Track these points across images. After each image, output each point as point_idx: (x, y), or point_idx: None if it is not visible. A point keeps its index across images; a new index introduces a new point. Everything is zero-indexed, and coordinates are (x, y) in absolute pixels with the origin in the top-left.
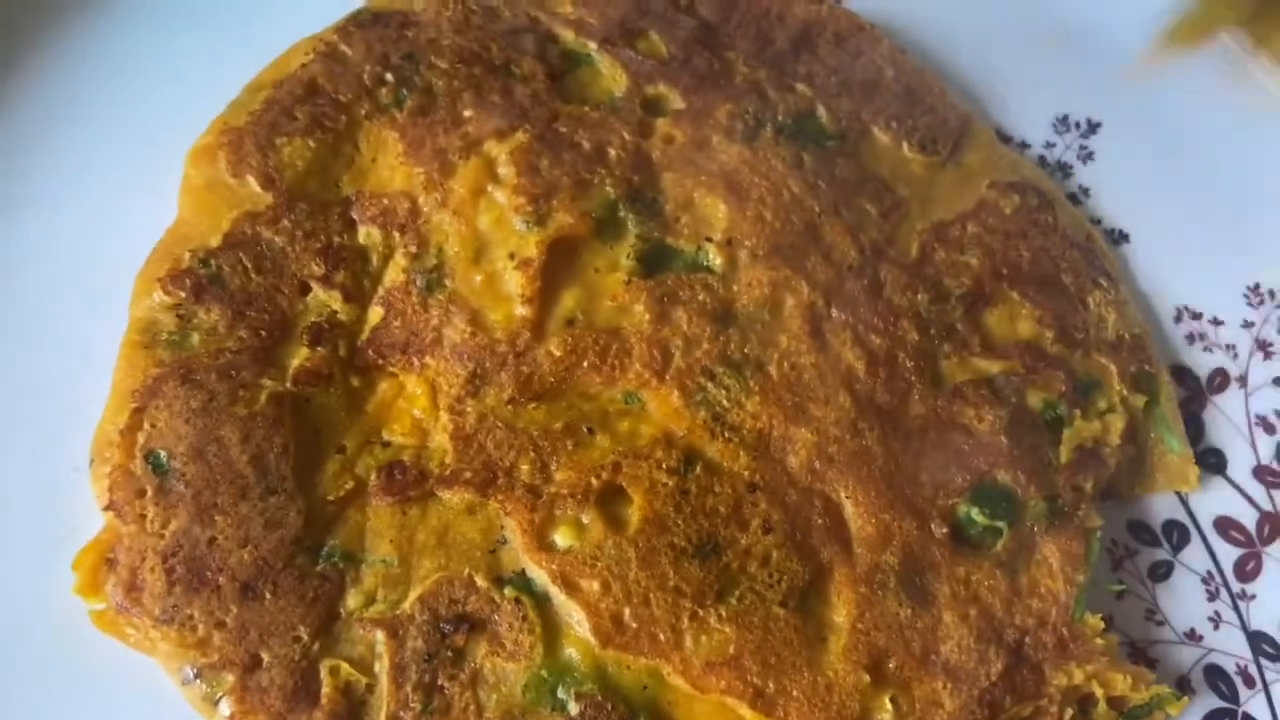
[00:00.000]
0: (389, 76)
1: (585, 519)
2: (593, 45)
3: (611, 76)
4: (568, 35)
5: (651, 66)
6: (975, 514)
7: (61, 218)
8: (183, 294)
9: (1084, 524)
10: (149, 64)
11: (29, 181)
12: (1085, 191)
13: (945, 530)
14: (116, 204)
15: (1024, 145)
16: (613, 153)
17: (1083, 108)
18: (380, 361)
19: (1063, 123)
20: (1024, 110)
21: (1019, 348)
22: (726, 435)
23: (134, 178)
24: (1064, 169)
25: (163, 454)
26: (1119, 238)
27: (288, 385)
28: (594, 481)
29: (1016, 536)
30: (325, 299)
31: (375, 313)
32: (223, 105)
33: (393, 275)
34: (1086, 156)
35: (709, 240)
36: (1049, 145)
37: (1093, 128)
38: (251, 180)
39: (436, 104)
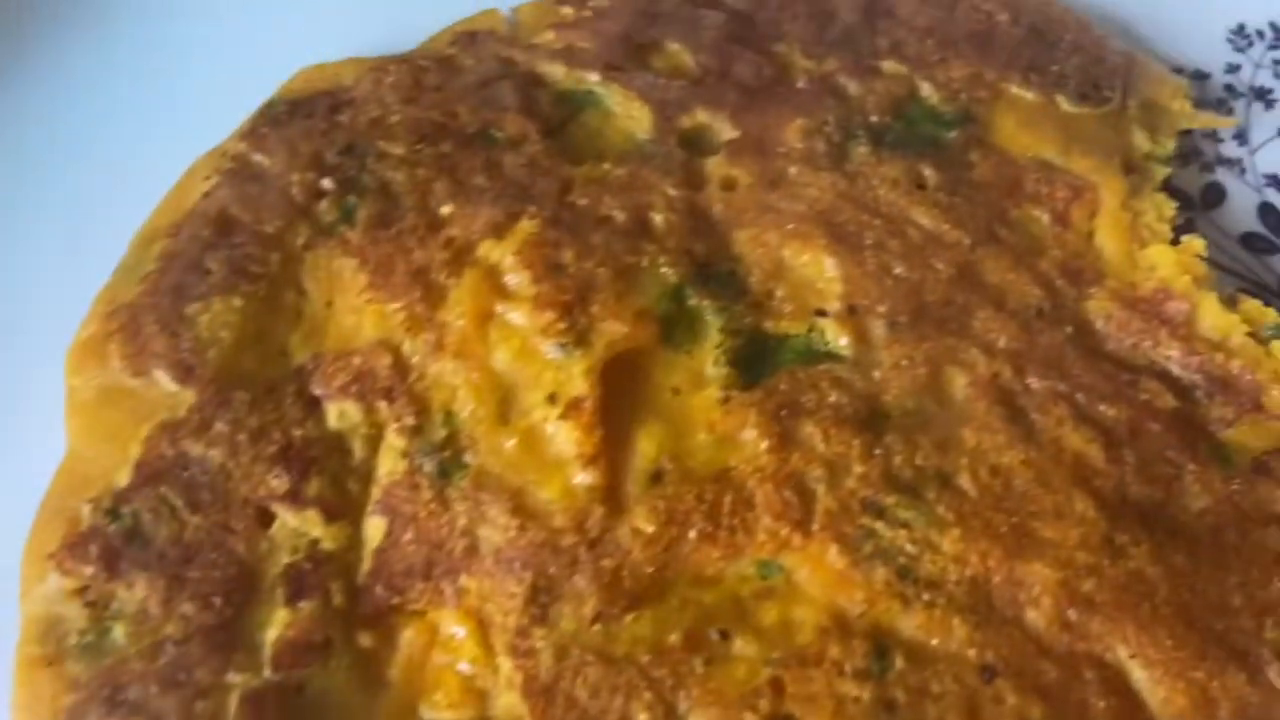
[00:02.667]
0: (327, 183)
1: None
2: (593, 77)
3: (628, 114)
4: (555, 71)
5: (680, 89)
6: None
7: None
8: (89, 569)
9: None
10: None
11: None
12: None
13: None
14: None
15: (1200, 75)
16: (659, 219)
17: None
18: (396, 600)
19: (1240, 34)
20: (1187, 31)
21: None
22: (926, 597)
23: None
24: (1263, 95)
25: None
26: None
27: (266, 674)
28: (751, 718)
29: None
30: (298, 525)
31: (374, 527)
32: (104, 274)
33: (389, 465)
34: None
35: (822, 314)
36: (1232, 68)
37: None
38: (161, 375)
39: (400, 206)
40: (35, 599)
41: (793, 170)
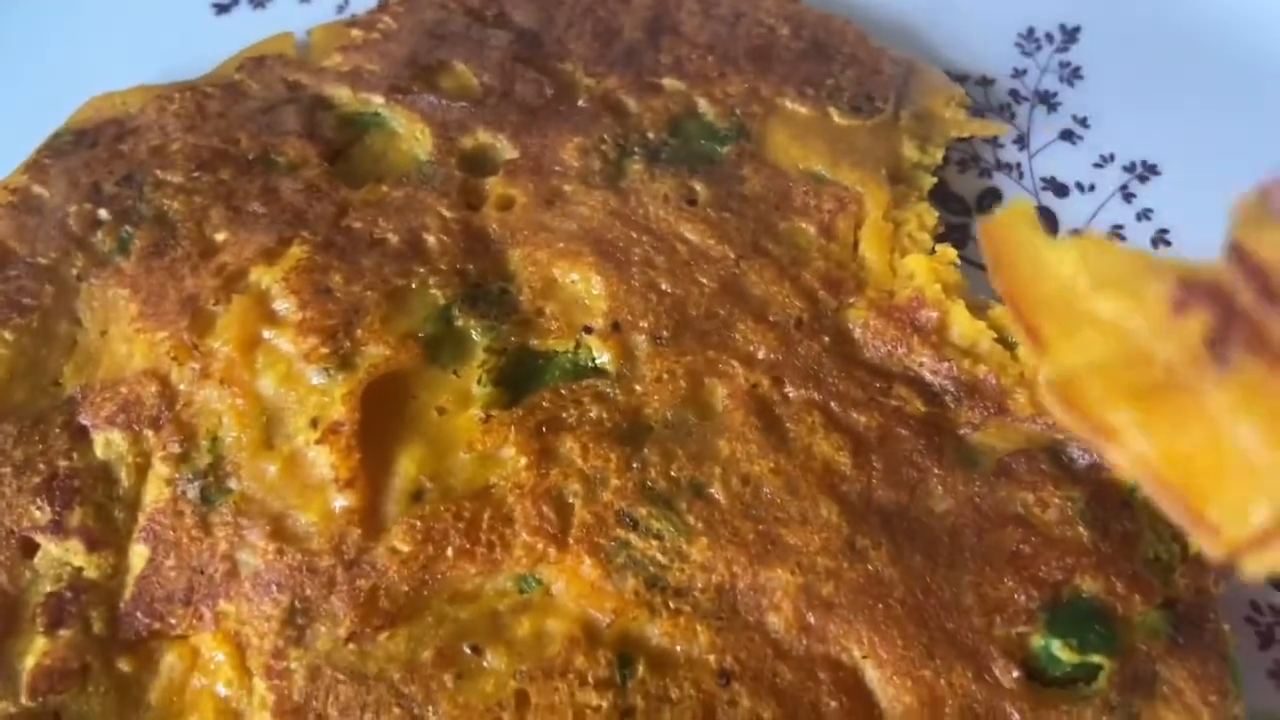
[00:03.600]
0: (104, 213)
1: None
2: (378, 100)
3: (411, 135)
4: (341, 94)
5: (461, 110)
6: (1057, 647)
7: None
8: None
9: (1217, 632)
10: None
11: None
12: (1083, 122)
13: (1016, 674)
14: None
15: (985, 81)
16: (431, 240)
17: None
18: (156, 625)
19: (1029, 38)
20: (976, 35)
21: None
22: (672, 605)
23: None
24: (1047, 99)
25: None
26: (1146, 171)
27: (23, 700)
28: None
29: (1125, 667)
30: (61, 554)
31: (138, 555)
32: None
33: (154, 494)
34: (1072, 75)
35: (589, 331)
36: (1018, 73)
37: (1070, 35)
38: None
39: (176, 234)
40: None
41: (568, 188)
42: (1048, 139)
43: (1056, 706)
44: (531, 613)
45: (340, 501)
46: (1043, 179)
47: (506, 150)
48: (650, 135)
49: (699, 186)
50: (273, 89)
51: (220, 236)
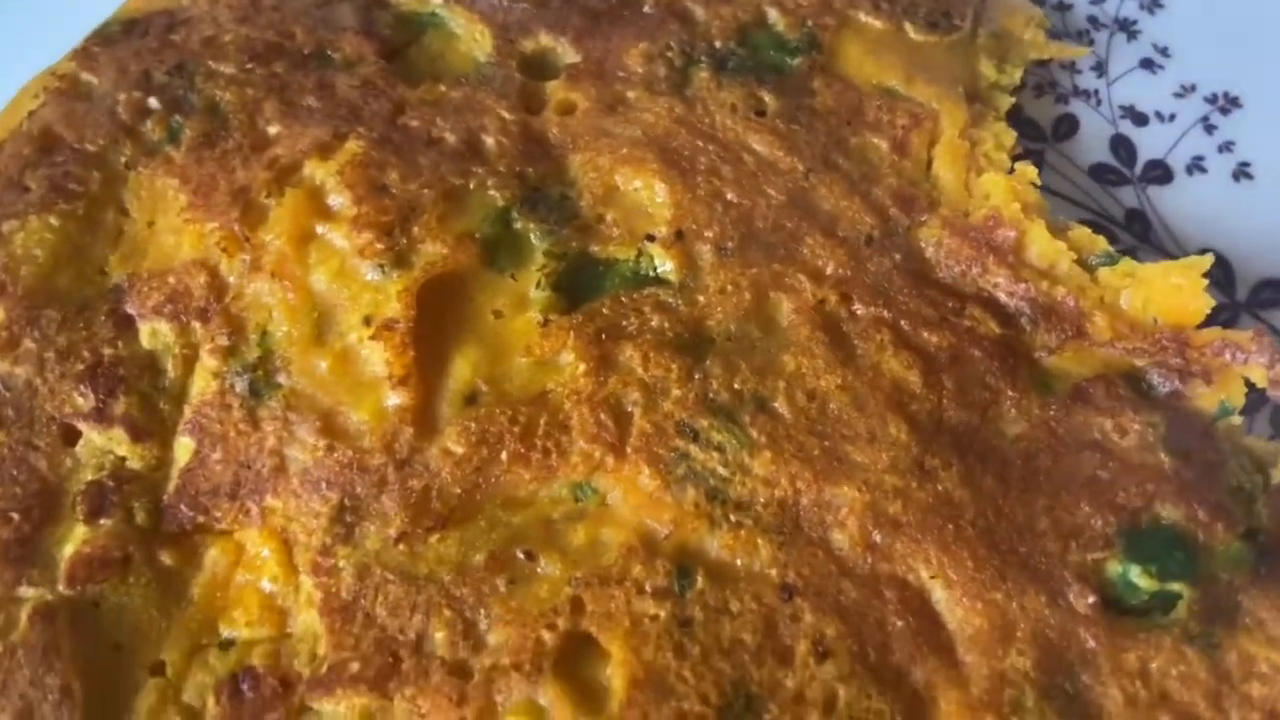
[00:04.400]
0: (154, 102)
1: (544, 700)
2: (436, 1)
3: (470, 36)
4: None
5: (523, 11)
6: (1135, 574)
7: None
8: None
9: None
10: None
11: None
12: (1164, 51)
13: (1092, 600)
14: None
15: (1063, 6)
16: (490, 141)
17: None
18: (200, 519)
19: None
20: None
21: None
22: (733, 518)
23: None
24: (1126, 26)
25: None
26: (1228, 103)
27: (60, 588)
28: (547, 636)
29: (1206, 597)
30: (104, 443)
31: (183, 447)
32: None
33: (201, 386)
34: (1153, 3)
35: (651, 239)
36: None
37: None
38: None
39: (227, 127)
40: None
41: (631, 95)
42: (1126, 67)
43: (1133, 635)
44: (587, 521)
45: (393, 400)
46: (1121, 107)
47: (568, 54)
48: (717, 44)
49: (768, 97)
50: None
51: (273, 130)
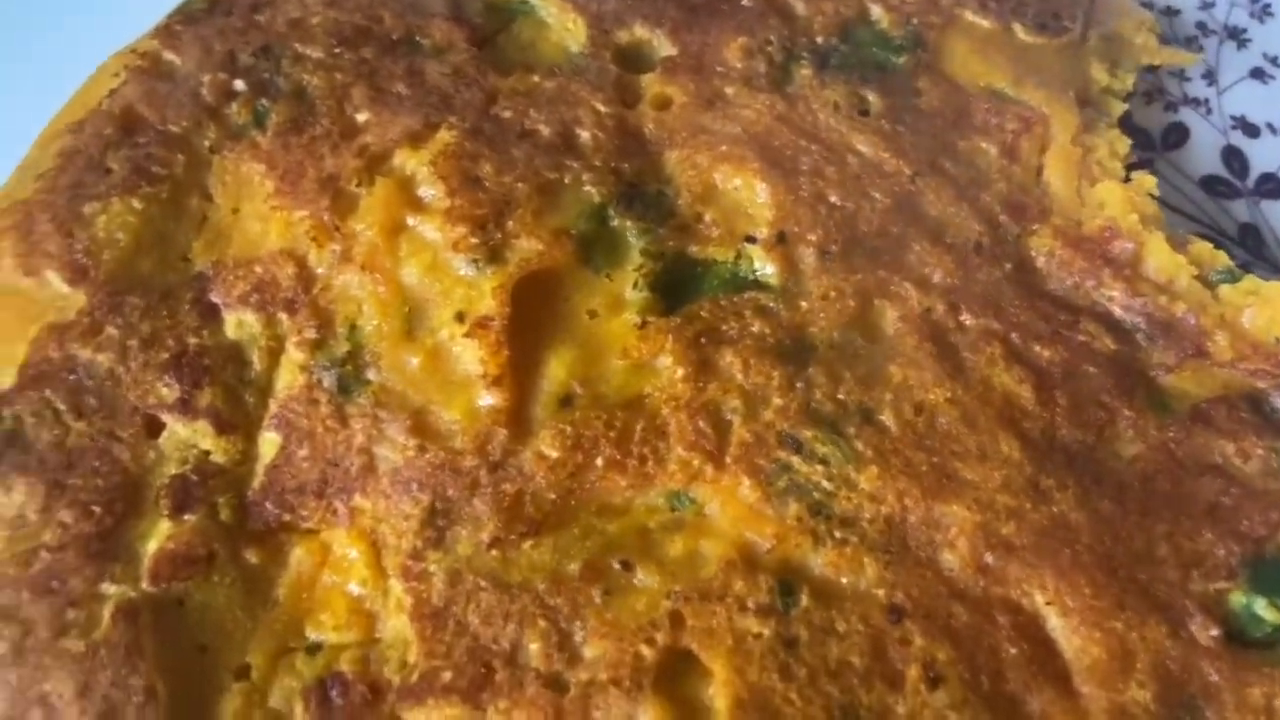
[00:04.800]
0: (240, 85)
1: (644, 718)
2: None
3: (562, 26)
4: None
5: (618, 2)
6: (1260, 606)
7: None
8: None
9: None
10: None
11: None
12: (1274, 61)
13: (1215, 632)
14: None
15: (1170, 11)
16: (585, 135)
17: None
18: (286, 518)
19: None
20: None
21: None
22: (838, 535)
23: None
24: (1236, 34)
25: None
26: None
27: (144, 586)
28: (646, 651)
29: None
30: (188, 436)
31: (269, 443)
32: (4, 173)
33: (287, 379)
34: (1263, 11)
35: (751, 241)
36: (1206, 4)
37: None
38: (53, 276)
39: (315, 112)
40: None
41: (730, 91)
42: (1237, 76)
43: (1257, 669)
44: (684, 532)
45: (486, 400)
46: (1232, 117)
47: (664, 47)
48: (819, 40)
49: (872, 96)
50: None
51: (362, 116)
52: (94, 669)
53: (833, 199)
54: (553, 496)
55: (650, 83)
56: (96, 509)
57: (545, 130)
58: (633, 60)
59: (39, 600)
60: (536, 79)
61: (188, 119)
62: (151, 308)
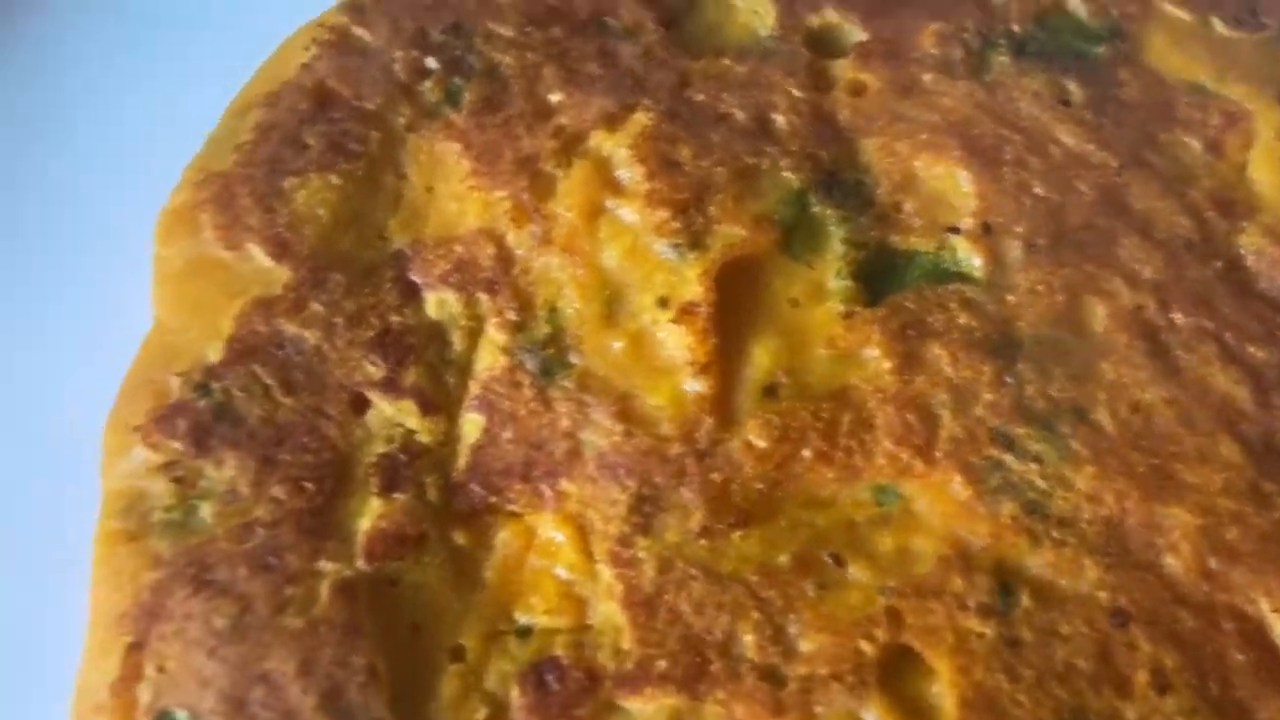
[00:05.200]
0: (432, 62)
1: (869, 715)
2: None
3: (750, 8)
4: None
5: None
6: None
7: None
8: (177, 444)
9: None
10: (83, 92)
11: None
12: None
13: None
14: (56, 316)
15: None
16: (780, 120)
17: None
18: (493, 500)
19: None
20: None
21: None
22: (1056, 535)
23: (78, 270)
24: None
25: (182, 715)
26: None
27: (359, 564)
28: (866, 647)
29: None
30: (393, 414)
31: (471, 423)
32: (196, 142)
33: (488, 360)
34: None
35: (954, 231)
36: None
37: None
38: (256, 250)
39: (508, 91)
40: (118, 473)
41: (927, 78)
42: None
43: None
44: (893, 527)
45: (692, 386)
46: None
47: (856, 32)
48: (1015, 27)
49: (1072, 86)
50: None
51: (555, 97)
52: (315, 646)
53: (1038, 190)
54: (760, 487)
55: (843, 68)
56: (309, 485)
57: (740, 114)
58: (824, 45)
59: (256, 577)
60: (727, 62)
61: (381, 95)
62: (354, 285)
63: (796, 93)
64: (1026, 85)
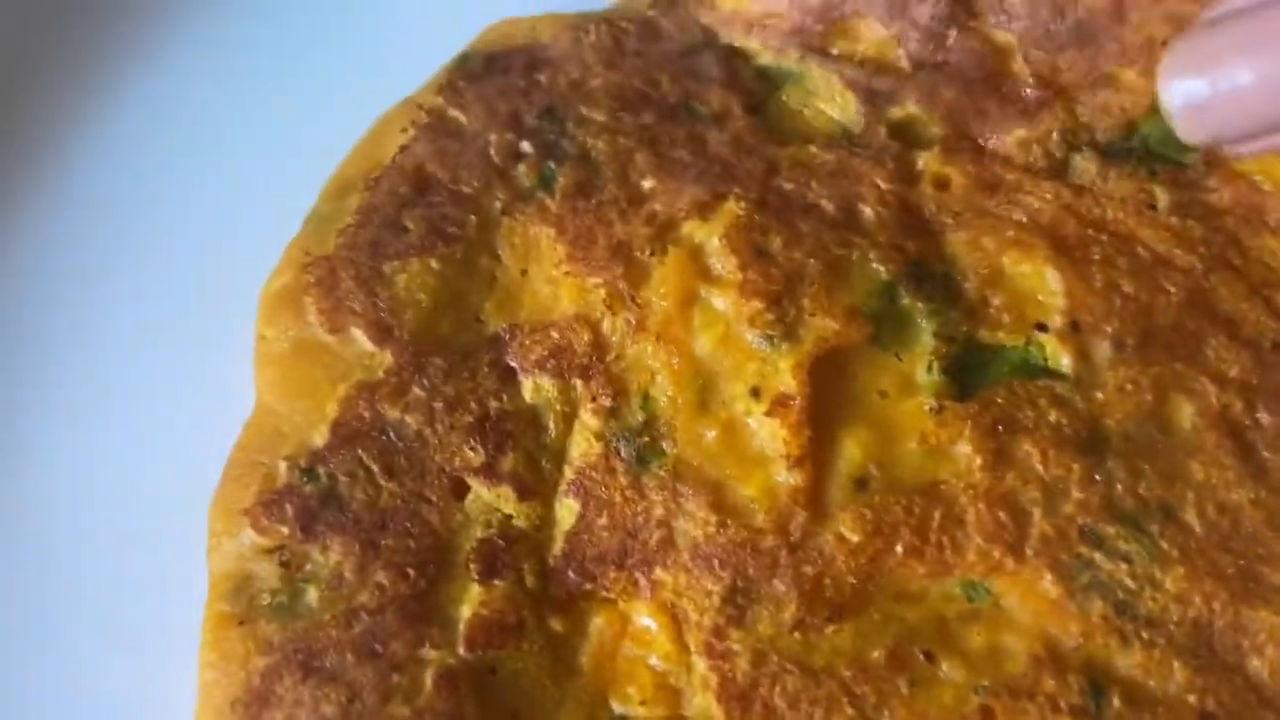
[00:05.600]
0: (526, 146)
1: None
2: (793, 55)
3: (830, 96)
4: (751, 45)
5: (889, 79)
6: None
7: (81, 446)
8: (285, 528)
9: None
10: (173, 163)
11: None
12: None
13: None
14: (158, 401)
15: None
16: (868, 211)
17: None
18: (588, 586)
19: None
20: None
21: None
22: (1145, 636)
23: (178, 352)
24: None
25: None
26: None
27: (461, 651)
28: None
29: None
30: (491, 500)
31: (567, 509)
32: (295, 222)
33: (583, 446)
34: None
35: (1043, 329)
36: None
37: None
38: (359, 334)
39: (601, 176)
40: (225, 555)
41: (1011, 177)
42: None
43: None
44: (983, 624)
45: (786, 478)
46: None
47: (937, 125)
48: (1099, 136)
49: (1159, 190)
50: (688, 30)
51: (647, 184)
52: None
53: (1126, 289)
54: (852, 581)
55: (928, 161)
56: (411, 571)
57: (828, 205)
58: (907, 136)
59: (364, 664)
60: (814, 150)
61: (478, 179)
62: (453, 369)
63: (883, 184)
64: (1112, 190)
